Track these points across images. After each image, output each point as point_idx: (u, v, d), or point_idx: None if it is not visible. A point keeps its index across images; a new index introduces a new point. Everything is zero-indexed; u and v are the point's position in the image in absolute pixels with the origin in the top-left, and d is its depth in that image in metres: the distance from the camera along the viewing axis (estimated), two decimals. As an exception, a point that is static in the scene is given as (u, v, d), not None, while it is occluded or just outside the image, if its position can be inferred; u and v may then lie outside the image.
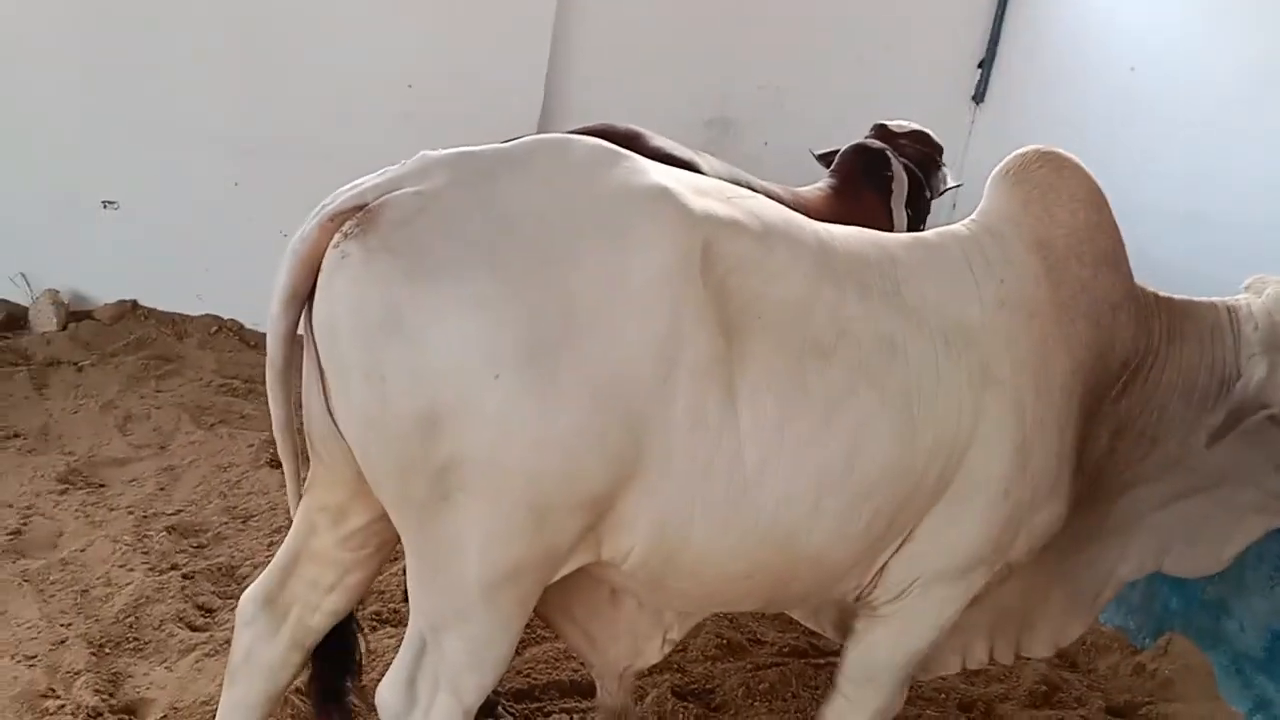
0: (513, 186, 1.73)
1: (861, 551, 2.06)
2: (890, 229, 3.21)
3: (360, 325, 1.66)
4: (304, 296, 1.75)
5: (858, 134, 3.77)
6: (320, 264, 1.71)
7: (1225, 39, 4.45)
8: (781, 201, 2.92)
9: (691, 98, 5.48)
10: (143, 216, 4.90)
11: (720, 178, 2.77)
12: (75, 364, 4.44)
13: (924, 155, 3.48)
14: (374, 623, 2.96)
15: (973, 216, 2.32)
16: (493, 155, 1.79)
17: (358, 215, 1.68)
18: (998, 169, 2.34)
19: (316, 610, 2.11)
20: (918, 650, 2.26)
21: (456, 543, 1.76)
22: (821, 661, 3.14)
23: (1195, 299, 2.41)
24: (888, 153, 3.39)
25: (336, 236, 1.68)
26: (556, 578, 1.90)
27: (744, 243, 1.85)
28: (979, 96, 5.70)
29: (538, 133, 4.91)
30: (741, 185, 2.83)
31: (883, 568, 2.15)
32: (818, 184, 3.37)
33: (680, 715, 2.80)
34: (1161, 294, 2.41)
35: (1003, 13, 5.62)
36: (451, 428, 1.66)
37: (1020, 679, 3.26)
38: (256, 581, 2.10)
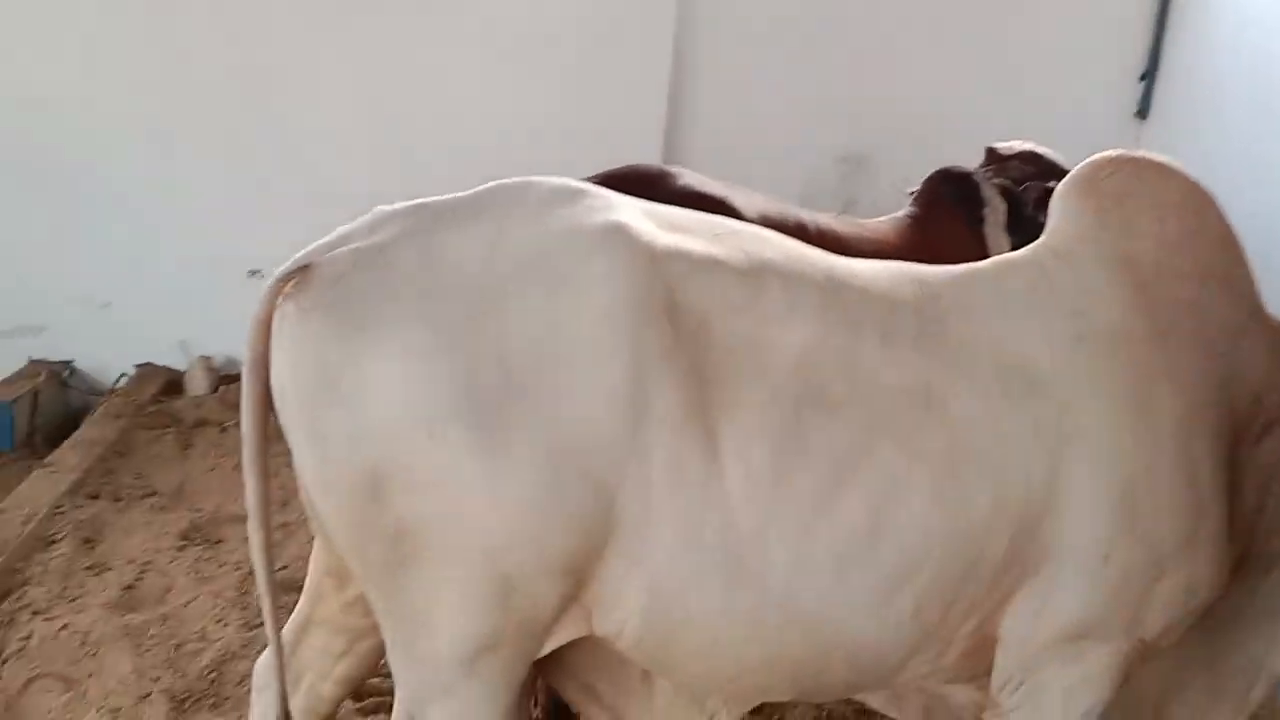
0: (460, 235, 1.63)
1: (917, 640, 1.79)
2: (985, 258, 2.92)
3: (299, 386, 1.60)
4: (267, 362, 1.69)
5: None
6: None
7: None
8: (836, 237, 2.71)
9: (822, 134, 5.24)
10: (289, 285, 5.10)
11: (763, 213, 2.60)
12: (220, 425, 4.67)
13: (1031, 177, 3.14)
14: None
15: (1040, 239, 2.04)
16: (447, 205, 1.69)
17: (299, 275, 1.63)
18: (1065, 180, 2.05)
19: (328, 679, 2.06)
20: None
21: (422, 613, 1.66)
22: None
23: None
24: (975, 177, 3.09)
25: (281, 298, 1.64)
26: (545, 651, 1.76)
27: (726, 282, 1.67)
28: (1143, 112, 5.20)
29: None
30: (789, 221, 2.66)
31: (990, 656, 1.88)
32: (893, 215, 3.11)
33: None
34: None
35: (1164, 20, 5.11)
36: (395, 492, 1.57)
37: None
38: (269, 648, 2.06)
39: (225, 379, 5.06)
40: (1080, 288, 1.89)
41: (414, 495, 1.56)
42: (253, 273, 5.11)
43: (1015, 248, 3.05)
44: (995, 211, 3.00)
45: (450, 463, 1.54)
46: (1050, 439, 1.78)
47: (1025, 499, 1.76)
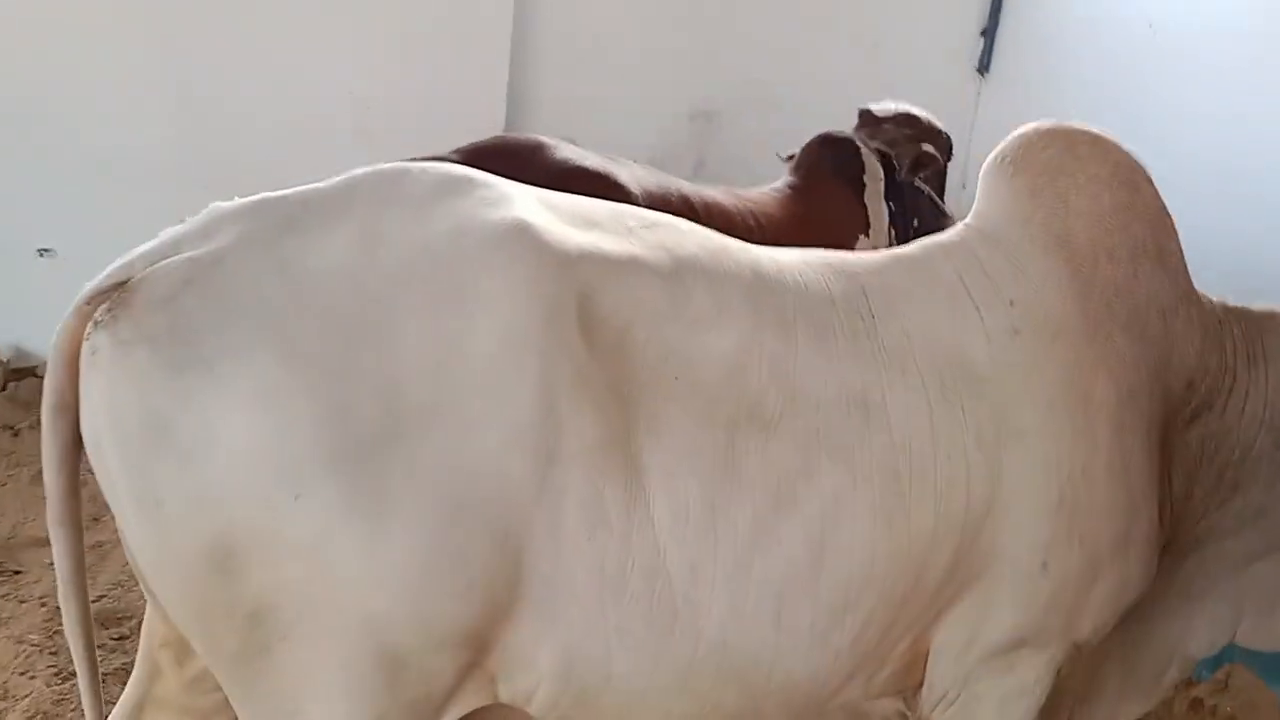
0: (322, 240, 1.32)
1: (851, 669, 1.64)
2: (866, 227, 2.78)
3: (122, 439, 1.27)
4: (75, 404, 1.35)
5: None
6: None
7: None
8: (723, 212, 2.51)
9: (672, 92, 5.06)
10: (83, 264, 4.42)
11: (646, 189, 2.36)
12: (11, 428, 4.09)
13: (907, 140, 3.01)
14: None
15: (966, 220, 1.88)
16: (302, 200, 1.39)
17: (114, 295, 1.28)
18: (992, 156, 1.90)
19: (168, 772, 1.71)
20: None
21: (290, 701, 1.36)
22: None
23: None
24: (856, 141, 2.94)
25: (89, 326, 1.28)
26: (444, 727, 1.49)
27: (646, 285, 1.43)
28: (984, 67, 5.22)
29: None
30: (673, 194, 2.43)
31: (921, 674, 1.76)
32: (774, 184, 2.92)
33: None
34: (1233, 303, 1.97)
35: (1005, -25, 5.14)
36: (251, 564, 1.27)
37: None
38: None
39: (15, 373, 4.43)
40: (1014, 273, 1.76)
41: (274, 567, 1.27)
42: (42, 252, 4.50)
43: (893, 215, 2.97)
44: (875, 179, 2.86)
45: (319, 525, 1.26)
46: (990, 444, 1.66)
47: (966, 508, 1.64)
